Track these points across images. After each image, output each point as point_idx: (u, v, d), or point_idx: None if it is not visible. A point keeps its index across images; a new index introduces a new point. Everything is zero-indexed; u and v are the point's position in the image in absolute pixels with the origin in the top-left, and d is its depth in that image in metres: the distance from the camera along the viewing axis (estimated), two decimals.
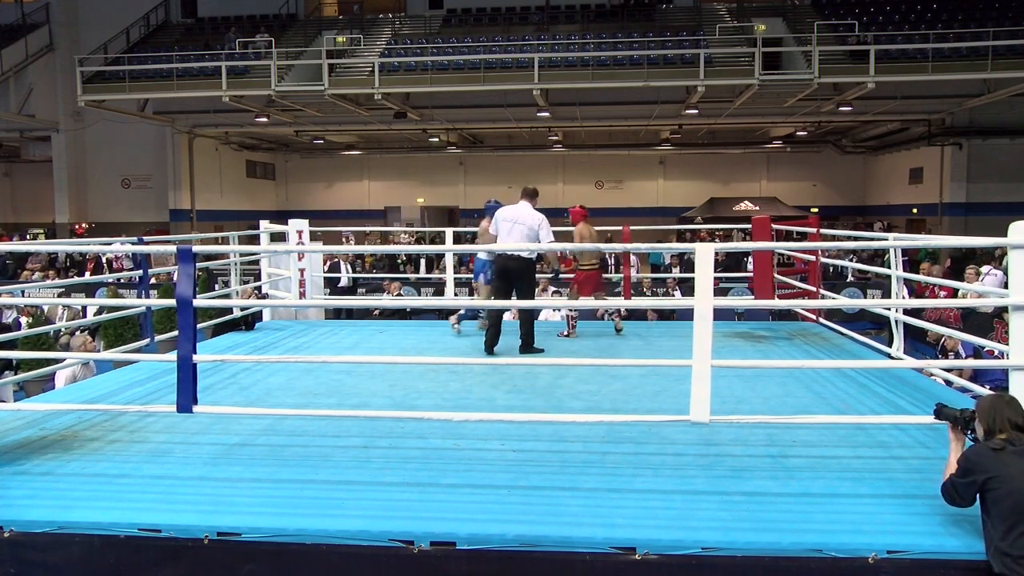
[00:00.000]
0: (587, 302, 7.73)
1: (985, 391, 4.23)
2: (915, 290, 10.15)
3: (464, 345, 7.34)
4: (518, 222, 6.76)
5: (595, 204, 28.69)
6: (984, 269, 10.76)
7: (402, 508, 3.42)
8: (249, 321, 8.28)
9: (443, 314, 9.96)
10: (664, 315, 10.28)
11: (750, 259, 12.55)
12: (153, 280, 10.26)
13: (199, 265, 7.48)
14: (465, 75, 18.18)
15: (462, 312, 7.94)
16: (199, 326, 5.00)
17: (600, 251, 7.73)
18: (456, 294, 10.84)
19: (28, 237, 23.85)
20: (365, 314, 10.92)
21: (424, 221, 28.99)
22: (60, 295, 11.85)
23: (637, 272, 13.96)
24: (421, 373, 5.97)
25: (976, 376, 6.32)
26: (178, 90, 18.93)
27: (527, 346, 6.81)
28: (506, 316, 7.56)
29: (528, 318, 6.95)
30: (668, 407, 4.71)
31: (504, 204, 7.31)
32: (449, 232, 10.11)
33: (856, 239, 12.55)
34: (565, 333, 7.72)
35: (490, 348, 6.69)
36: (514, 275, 6.75)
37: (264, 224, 9.06)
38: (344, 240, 18.73)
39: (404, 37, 21.39)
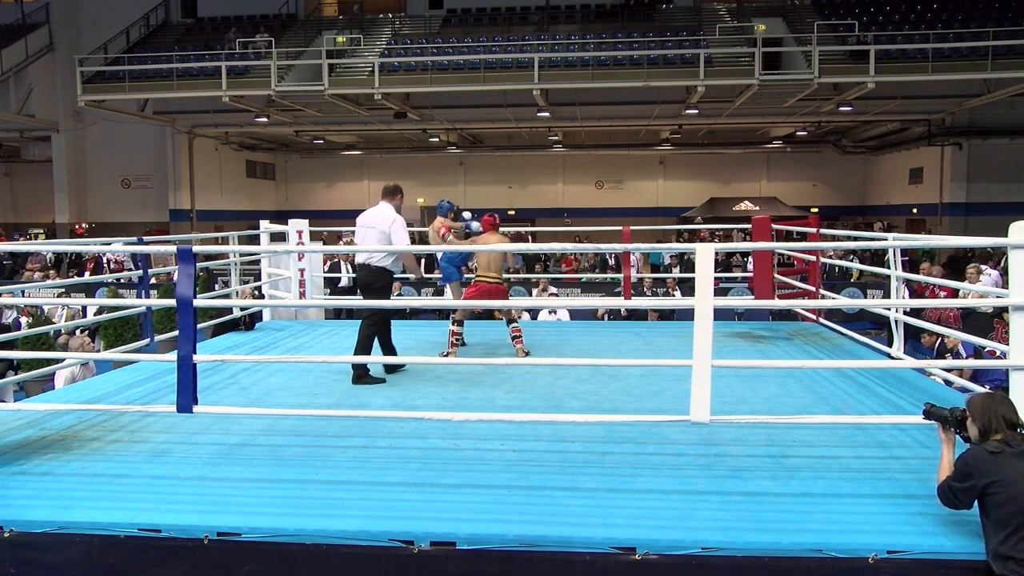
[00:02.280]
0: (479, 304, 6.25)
1: (985, 392, 4.22)
2: (915, 290, 10.15)
3: (462, 346, 7.33)
4: (370, 226, 6.06)
5: (595, 204, 28.95)
6: (983, 268, 10.76)
7: (402, 508, 3.42)
8: (249, 321, 8.29)
9: (443, 314, 9.95)
10: (664, 315, 10.28)
11: (750, 259, 12.57)
12: (153, 280, 10.25)
13: (199, 265, 7.48)
14: (465, 75, 18.18)
15: None
16: (199, 326, 5.00)
17: (503, 267, 6.77)
18: None
19: (28, 237, 23.85)
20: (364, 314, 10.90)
21: (424, 221, 28.99)
22: (60, 295, 11.85)
23: (637, 272, 13.97)
24: (420, 373, 5.97)
25: (976, 376, 6.32)
26: (178, 90, 18.93)
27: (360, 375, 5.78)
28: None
29: (376, 333, 6.03)
30: (668, 407, 4.71)
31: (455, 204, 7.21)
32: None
33: (856, 239, 12.55)
34: (445, 353, 6.69)
35: (389, 368, 6.01)
36: (362, 285, 6.09)
37: (264, 224, 9.06)
38: (345, 240, 18.70)
39: (404, 37, 21.38)
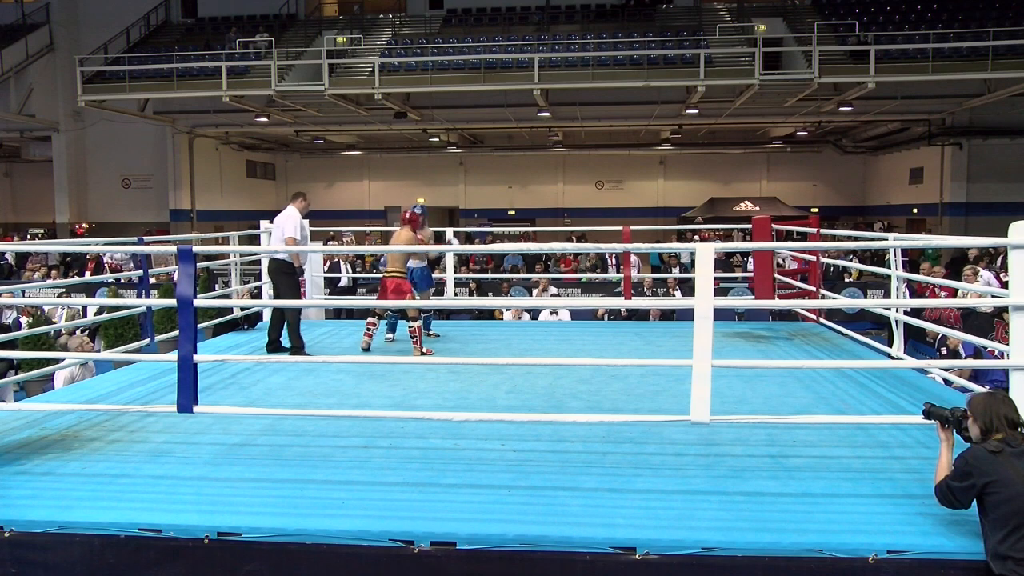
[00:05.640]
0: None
1: (986, 391, 4.21)
2: (915, 290, 10.15)
3: (463, 346, 7.34)
4: (278, 226, 7.18)
5: (595, 204, 28.94)
6: (978, 269, 10.75)
7: (402, 508, 3.43)
8: (249, 321, 8.29)
9: (442, 314, 9.96)
10: (664, 315, 10.28)
11: (750, 259, 12.55)
12: (153, 280, 10.25)
13: (199, 265, 7.48)
14: (465, 75, 18.17)
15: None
16: (199, 326, 5.00)
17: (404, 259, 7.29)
18: (456, 294, 10.85)
19: (28, 237, 23.86)
20: (365, 314, 10.92)
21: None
22: (60, 295, 11.84)
23: (638, 272, 13.96)
24: (421, 373, 5.97)
25: (976, 376, 6.32)
26: (178, 90, 18.92)
27: (275, 344, 7.03)
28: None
29: (292, 317, 6.97)
30: (668, 407, 4.72)
31: (423, 206, 7.94)
32: (449, 232, 10.12)
33: (856, 239, 12.55)
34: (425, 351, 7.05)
35: (272, 347, 7.06)
36: (272, 276, 7.22)
37: (264, 224, 9.06)
38: (345, 240, 18.71)
39: (404, 37, 21.38)
